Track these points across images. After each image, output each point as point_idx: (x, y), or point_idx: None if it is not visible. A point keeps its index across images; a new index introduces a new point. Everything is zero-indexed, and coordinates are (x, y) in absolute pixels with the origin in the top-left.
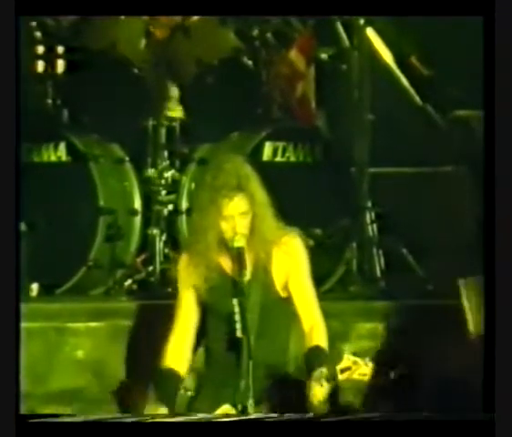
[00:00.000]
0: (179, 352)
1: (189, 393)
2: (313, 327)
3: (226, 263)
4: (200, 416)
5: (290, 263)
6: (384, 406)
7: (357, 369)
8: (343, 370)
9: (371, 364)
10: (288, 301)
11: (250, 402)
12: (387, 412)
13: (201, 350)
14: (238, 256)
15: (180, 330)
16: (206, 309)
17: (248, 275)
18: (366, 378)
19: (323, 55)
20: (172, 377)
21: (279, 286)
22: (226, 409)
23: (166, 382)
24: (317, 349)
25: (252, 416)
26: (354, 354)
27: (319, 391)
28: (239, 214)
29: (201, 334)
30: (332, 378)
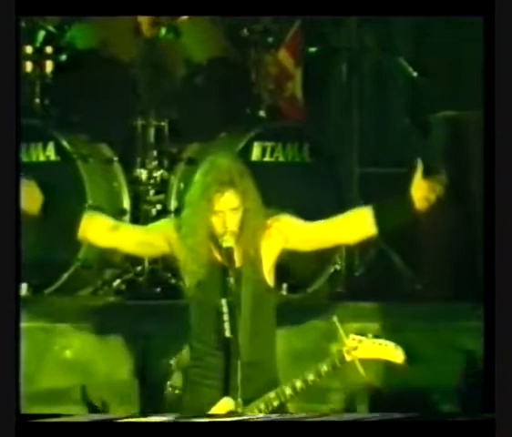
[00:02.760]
0: None
1: (177, 391)
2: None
3: (219, 258)
4: (201, 417)
5: (284, 234)
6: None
7: (363, 347)
8: (349, 351)
9: (378, 341)
10: (275, 294)
11: (239, 402)
12: (387, 412)
13: (187, 348)
14: (227, 256)
15: None
16: (193, 307)
17: (237, 272)
18: (373, 356)
19: (312, 55)
20: None
21: (269, 279)
22: (225, 403)
23: None
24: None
25: (251, 416)
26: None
27: None
28: (229, 210)
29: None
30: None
